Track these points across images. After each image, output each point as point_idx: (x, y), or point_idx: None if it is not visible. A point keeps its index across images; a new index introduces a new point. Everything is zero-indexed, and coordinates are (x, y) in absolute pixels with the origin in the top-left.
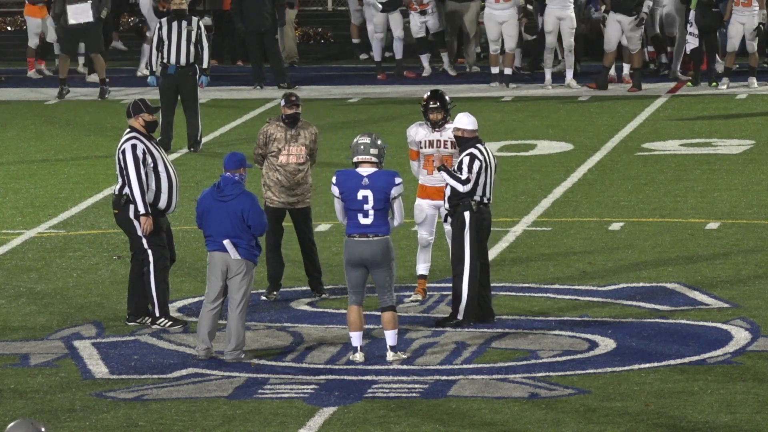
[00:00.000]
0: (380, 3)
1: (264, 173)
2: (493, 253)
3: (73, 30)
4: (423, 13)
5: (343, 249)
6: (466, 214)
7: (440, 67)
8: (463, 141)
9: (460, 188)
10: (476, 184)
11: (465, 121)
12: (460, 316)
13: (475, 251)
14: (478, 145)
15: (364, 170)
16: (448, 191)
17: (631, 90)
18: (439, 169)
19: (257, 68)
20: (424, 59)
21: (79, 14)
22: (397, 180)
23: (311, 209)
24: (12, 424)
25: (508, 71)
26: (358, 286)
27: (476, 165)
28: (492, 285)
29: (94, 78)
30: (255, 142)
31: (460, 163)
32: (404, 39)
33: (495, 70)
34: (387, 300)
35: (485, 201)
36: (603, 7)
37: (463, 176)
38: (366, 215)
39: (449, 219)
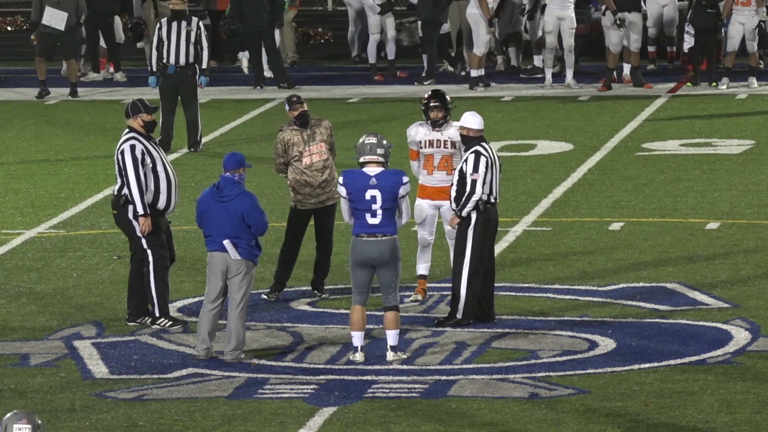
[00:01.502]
0: (378, 5)
1: (291, 178)
2: None
3: (50, 34)
4: None
5: (351, 249)
6: (473, 214)
7: (441, 68)
8: (468, 140)
9: (478, 195)
10: (483, 181)
11: (471, 120)
12: (459, 315)
13: (478, 250)
14: (483, 143)
15: (371, 170)
16: (453, 193)
17: (646, 86)
18: (460, 216)
19: (257, 68)
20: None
21: (54, 19)
22: (405, 179)
23: (336, 205)
24: (8, 415)
25: (473, 73)
26: (363, 286)
27: (482, 161)
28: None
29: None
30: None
31: (465, 161)
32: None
33: (474, 72)
34: (391, 300)
35: (492, 200)
36: (603, 7)
37: (468, 180)
38: (374, 215)
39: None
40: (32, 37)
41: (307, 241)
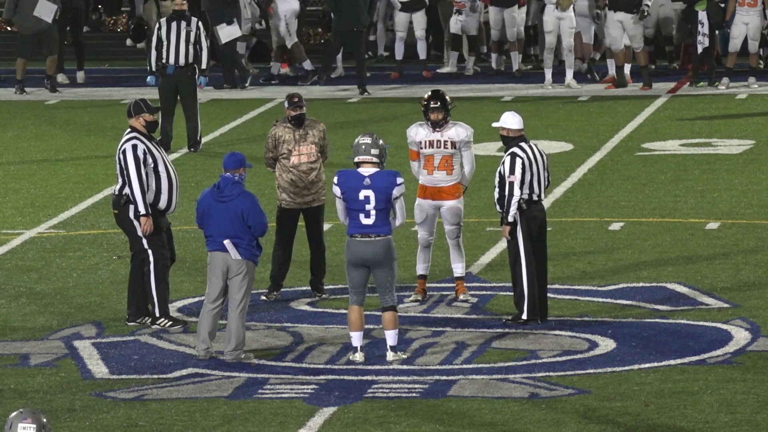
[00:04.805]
0: (400, 2)
1: (277, 175)
2: (493, 253)
3: (31, 36)
4: (459, 12)
5: (345, 249)
6: (516, 214)
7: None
8: (508, 140)
9: (517, 197)
10: (522, 182)
11: (510, 120)
12: (525, 316)
13: (530, 248)
14: (521, 144)
15: (366, 170)
16: (496, 194)
17: (643, 88)
18: (509, 224)
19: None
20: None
21: (44, 11)
22: (399, 180)
23: (324, 207)
24: (14, 413)
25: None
26: (359, 286)
27: (518, 163)
28: (492, 285)
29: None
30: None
31: (503, 163)
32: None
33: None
34: (388, 300)
35: (534, 198)
36: (603, 7)
37: (507, 182)
38: (368, 215)
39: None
40: (13, 28)
41: (304, 241)
